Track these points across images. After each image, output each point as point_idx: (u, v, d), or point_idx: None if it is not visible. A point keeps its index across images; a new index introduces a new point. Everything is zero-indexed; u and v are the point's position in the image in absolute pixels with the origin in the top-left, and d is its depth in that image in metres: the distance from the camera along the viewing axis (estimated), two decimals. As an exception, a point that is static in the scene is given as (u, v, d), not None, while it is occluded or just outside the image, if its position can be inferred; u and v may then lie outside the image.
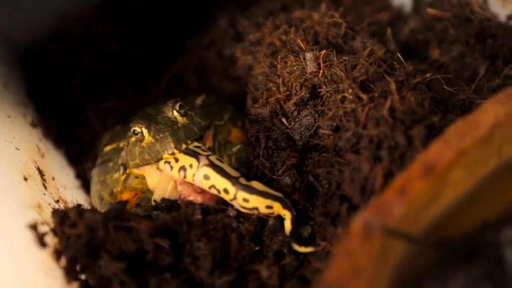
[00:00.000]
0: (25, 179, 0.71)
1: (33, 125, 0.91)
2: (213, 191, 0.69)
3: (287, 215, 0.68)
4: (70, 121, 0.99)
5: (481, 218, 0.57)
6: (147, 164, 0.74)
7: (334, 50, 0.74)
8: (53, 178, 0.81)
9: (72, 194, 0.81)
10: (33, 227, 0.60)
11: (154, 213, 0.71)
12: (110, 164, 0.80)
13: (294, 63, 0.75)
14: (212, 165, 0.69)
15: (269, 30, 0.86)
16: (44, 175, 0.78)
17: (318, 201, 0.71)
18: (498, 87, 0.71)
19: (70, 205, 0.76)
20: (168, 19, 1.14)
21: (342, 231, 0.63)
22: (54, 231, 0.62)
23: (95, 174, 0.83)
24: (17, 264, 0.60)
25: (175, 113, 0.73)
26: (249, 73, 0.87)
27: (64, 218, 0.63)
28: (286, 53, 0.77)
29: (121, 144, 0.79)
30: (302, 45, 0.77)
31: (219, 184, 0.68)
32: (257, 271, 0.66)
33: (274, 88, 0.77)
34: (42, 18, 1.09)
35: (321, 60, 0.73)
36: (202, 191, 0.71)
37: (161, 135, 0.71)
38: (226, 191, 0.68)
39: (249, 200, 0.67)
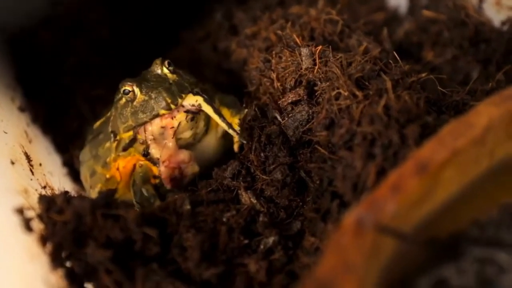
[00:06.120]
0: (12, 163, 0.70)
1: (21, 109, 0.89)
2: None
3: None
4: (58, 108, 0.97)
5: (470, 218, 0.57)
6: (141, 124, 0.73)
7: (330, 46, 0.74)
8: (40, 164, 0.80)
9: (59, 181, 0.80)
10: (20, 211, 0.59)
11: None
12: (101, 135, 0.79)
13: (289, 59, 0.75)
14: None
15: (265, 25, 0.85)
16: (31, 160, 0.76)
17: (309, 196, 0.71)
18: (492, 90, 0.71)
19: (56, 192, 0.75)
20: (162, 8, 1.13)
21: (333, 226, 0.63)
22: (40, 217, 0.61)
23: (86, 152, 0.81)
24: (2, 249, 0.59)
25: (165, 69, 0.74)
26: (243, 66, 0.87)
27: (51, 204, 0.62)
28: (282, 48, 0.77)
29: (108, 114, 0.78)
30: (298, 41, 0.77)
31: None
32: (245, 264, 0.65)
33: (268, 83, 0.77)
34: (33, 3, 1.07)
35: (316, 56, 0.73)
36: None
37: (154, 91, 0.71)
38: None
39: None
